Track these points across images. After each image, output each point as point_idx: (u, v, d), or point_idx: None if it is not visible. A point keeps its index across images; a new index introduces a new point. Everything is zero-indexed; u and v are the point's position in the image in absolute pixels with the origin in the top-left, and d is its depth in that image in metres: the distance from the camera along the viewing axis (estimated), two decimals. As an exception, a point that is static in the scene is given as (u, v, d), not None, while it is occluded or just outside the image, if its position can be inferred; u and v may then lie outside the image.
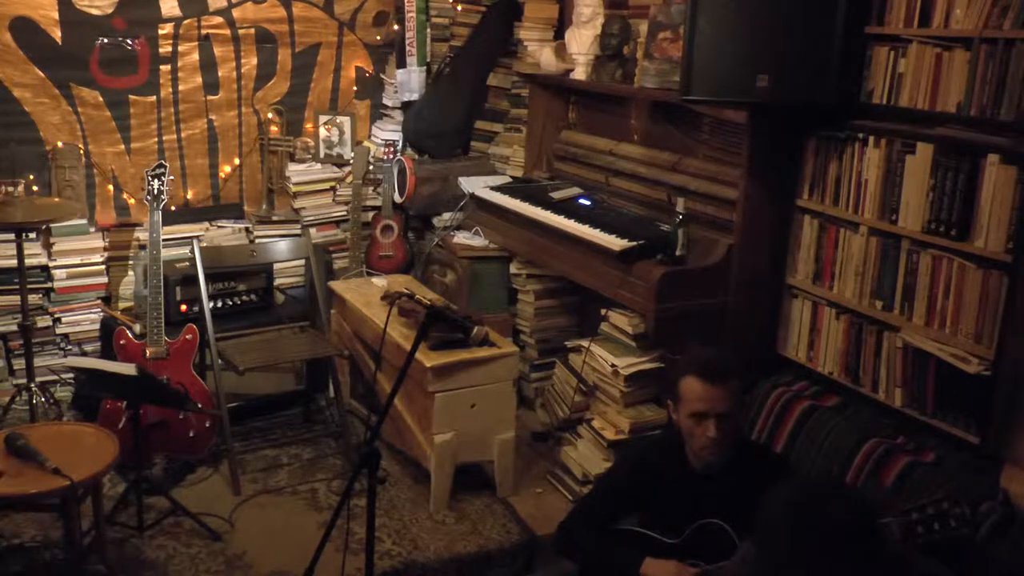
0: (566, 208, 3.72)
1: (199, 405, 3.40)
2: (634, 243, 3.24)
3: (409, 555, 3.13)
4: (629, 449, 3.15)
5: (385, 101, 4.88)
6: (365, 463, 2.21)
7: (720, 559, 2.22)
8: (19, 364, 3.96)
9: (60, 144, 4.17)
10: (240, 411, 3.90)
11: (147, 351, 3.52)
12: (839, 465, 2.64)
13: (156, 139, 4.41)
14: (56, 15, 4.05)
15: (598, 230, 3.41)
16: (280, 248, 4.07)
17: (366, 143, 4.79)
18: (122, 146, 4.34)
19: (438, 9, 4.68)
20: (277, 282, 4.31)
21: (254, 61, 4.53)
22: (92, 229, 4.24)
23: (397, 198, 4.54)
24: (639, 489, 2.42)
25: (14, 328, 3.87)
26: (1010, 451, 2.34)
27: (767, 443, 2.87)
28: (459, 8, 4.68)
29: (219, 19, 4.40)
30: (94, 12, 4.11)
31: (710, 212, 3.37)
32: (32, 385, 3.66)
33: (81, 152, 4.22)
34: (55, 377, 4.12)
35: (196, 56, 4.39)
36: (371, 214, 4.65)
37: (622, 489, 2.47)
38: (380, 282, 4.12)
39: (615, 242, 3.27)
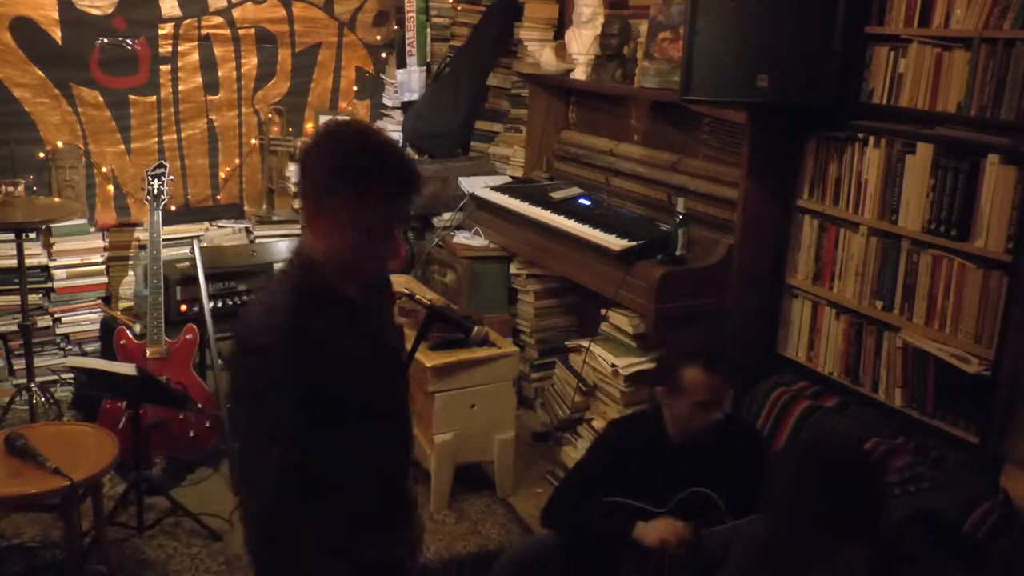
0: (566, 208, 3.72)
1: (199, 405, 3.40)
2: (634, 243, 3.24)
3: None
4: (608, 426, 3.16)
5: (385, 101, 4.88)
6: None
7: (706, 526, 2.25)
8: (19, 364, 3.96)
9: (60, 144, 4.17)
10: (240, 411, 3.89)
11: (147, 351, 3.52)
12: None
13: (156, 139, 4.41)
14: (56, 15, 4.05)
15: (598, 230, 3.41)
16: (280, 248, 4.07)
17: (366, 143, 4.78)
18: (122, 146, 4.34)
19: (438, 9, 4.68)
20: (277, 282, 4.31)
21: (254, 61, 4.53)
22: (92, 229, 4.24)
23: (397, 198, 4.53)
24: (621, 460, 2.46)
25: (14, 328, 3.87)
26: (1010, 451, 2.34)
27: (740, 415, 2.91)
28: (459, 8, 4.68)
29: (219, 19, 4.40)
30: (94, 12, 4.12)
31: (710, 212, 3.37)
32: (32, 385, 3.66)
33: (81, 152, 4.22)
34: (55, 377, 4.12)
35: (196, 56, 4.39)
36: (371, 214, 4.64)
37: (605, 462, 2.50)
38: (380, 282, 4.11)
39: (615, 242, 3.27)
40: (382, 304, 1.79)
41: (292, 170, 4.62)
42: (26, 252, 3.66)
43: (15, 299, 3.77)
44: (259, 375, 1.55)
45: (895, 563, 1.73)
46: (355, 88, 4.84)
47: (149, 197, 3.63)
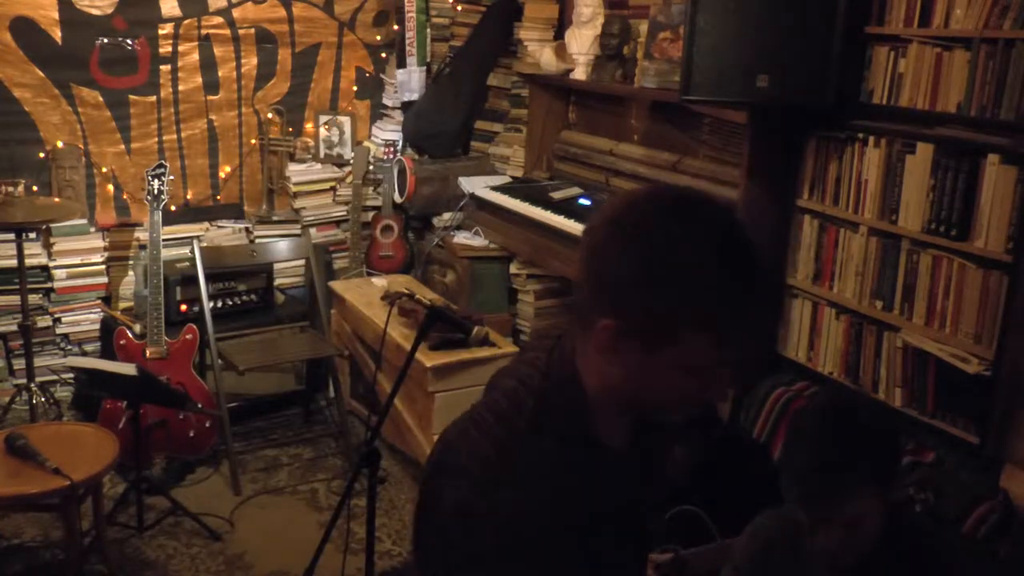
0: (566, 208, 3.73)
1: (199, 405, 3.40)
2: (634, 243, 3.24)
3: (409, 555, 3.13)
4: None
5: (385, 101, 4.88)
6: (365, 463, 2.21)
7: (692, 545, 2.22)
8: (19, 364, 3.96)
9: (60, 144, 4.17)
10: (240, 411, 3.90)
11: (147, 351, 3.52)
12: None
13: (156, 139, 4.41)
14: (56, 15, 4.05)
15: (598, 230, 3.40)
16: (280, 248, 4.07)
17: (366, 143, 4.79)
18: (122, 146, 4.34)
19: (438, 9, 4.68)
20: (277, 282, 4.31)
21: (254, 61, 4.53)
22: (92, 229, 4.24)
23: (397, 198, 4.54)
24: None
25: (14, 328, 3.87)
26: (1010, 451, 2.34)
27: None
28: (459, 8, 4.68)
29: (219, 19, 4.40)
30: (94, 12, 4.11)
31: (710, 212, 3.37)
32: (32, 385, 3.66)
33: (81, 152, 4.22)
34: (55, 377, 4.12)
35: (196, 56, 4.39)
36: (371, 214, 4.65)
37: None
38: (380, 282, 4.11)
39: (615, 242, 3.27)
40: (658, 450, 1.27)
41: (292, 169, 4.62)
42: (26, 252, 3.66)
43: (15, 299, 3.77)
44: (457, 534, 1.06)
45: (915, 550, 1.70)
46: (355, 88, 4.85)
47: (149, 197, 3.63)
